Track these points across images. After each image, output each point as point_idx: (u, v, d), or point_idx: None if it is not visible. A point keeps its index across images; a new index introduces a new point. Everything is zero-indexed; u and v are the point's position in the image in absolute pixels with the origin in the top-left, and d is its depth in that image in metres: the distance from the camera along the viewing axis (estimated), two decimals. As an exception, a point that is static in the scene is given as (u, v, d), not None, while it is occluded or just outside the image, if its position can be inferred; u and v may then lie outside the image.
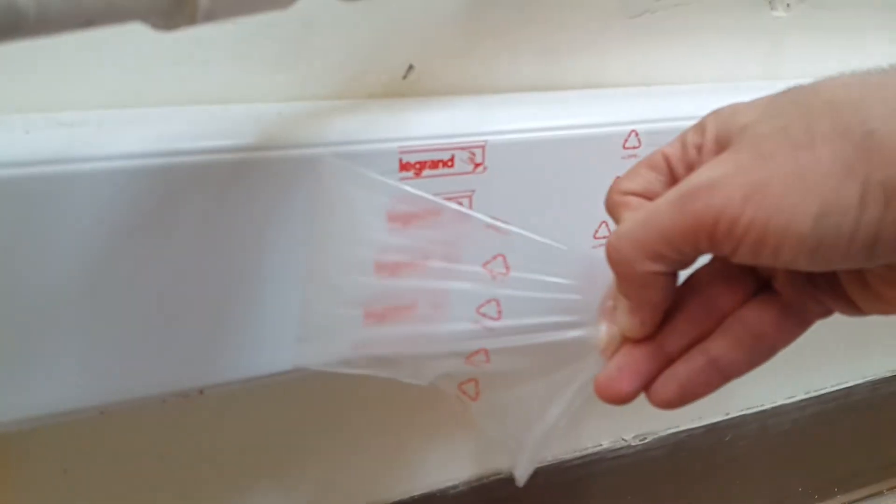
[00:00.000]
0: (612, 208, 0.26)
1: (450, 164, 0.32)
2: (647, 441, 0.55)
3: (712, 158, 0.23)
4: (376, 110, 0.33)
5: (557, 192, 0.35)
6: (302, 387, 0.40)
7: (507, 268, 0.28)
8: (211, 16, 0.18)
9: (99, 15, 0.16)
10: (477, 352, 0.30)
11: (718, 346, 0.25)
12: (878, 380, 0.64)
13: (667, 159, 0.26)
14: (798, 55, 0.45)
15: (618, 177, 0.26)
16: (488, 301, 0.29)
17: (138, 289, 0.29)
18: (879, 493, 0.72)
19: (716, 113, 0.25)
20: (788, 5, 0.43)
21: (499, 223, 0.28)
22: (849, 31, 0.46)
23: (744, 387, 0.57)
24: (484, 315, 0.29)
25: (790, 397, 0.61)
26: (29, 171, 0.26)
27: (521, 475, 0.31)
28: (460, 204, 0.32)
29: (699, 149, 0.25)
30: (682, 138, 0.26)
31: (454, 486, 0.49)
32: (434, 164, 0.32)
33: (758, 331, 0.25)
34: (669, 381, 0.25)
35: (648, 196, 0.25)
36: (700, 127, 0.25)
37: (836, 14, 0.45)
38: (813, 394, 0.62)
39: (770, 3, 0.42)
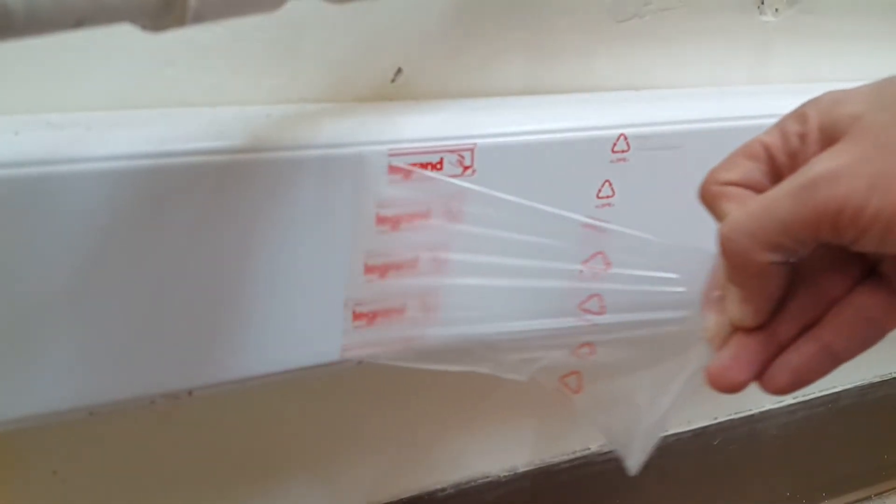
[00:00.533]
0: (711, 199, 0.26)
1: (439, 166, 0.32)
2: (636, 445, 0.55)
3: (819, 148, 0.24)
4: (364, 113, 0.33)
5: (546, 196, 0.35)
6: (291, 388, 0.40)
7: (608, 264, 0.30)
8: (200, 17, 0.18)
9: (88, 16, 0.16)
10: (583, 345, 0.31)
11: (830, 332, 0.25)
12: (867, 385, 0.65)
13: (766, 148, 0.26)
14: (786, 60, 0.45)
15: (713, 168, 0.27)
16: (590, 297, 0.30)
17: (127, 290, 0.29)
18: (867, 498, 0.72)
19: (815, 101, 0.26)
20: (777, 10, 0.43)
21: (596, 222, 0.29)
22: (837, 36, 0.46)
23: (732, 391, 0.57)
24: (587, 310, 0.30)
25: (778, 402, 0.61)
26: (18, 172, 0.26)
27: (634, 464, 0.32)
28: (450, 208, 0.32)
29: (802, 137, 0.25)
30: (781, 127, 0.26)
31: (442, 489, 0.49)
32: (423, 167, 0.32)
33: (869, 315, 0.25)
34: (783, 369, 0.26)
35: (748, 185, 0.26)
36: (800, 116, 0.26)
37: (824, 19, 0.45)
38: (801, 399, 0.62)
39: (759, 7, 0.43)
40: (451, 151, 0.32)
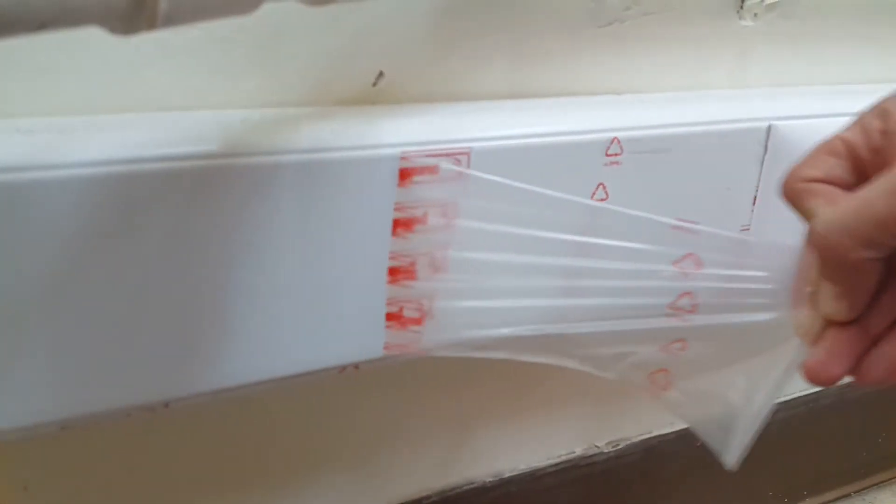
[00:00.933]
0: (795, 196, 0.27)
1: (434, 170, 0.32)
2: (619, 447, 0.55)
3: None
4: (346, 117, 0.32)
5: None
6: (269, 399, 0.40)
7: (698, 264, 0.30)
8: (171, 21, 0.18)
9: (52, 19, 0.16)
10: (674, 341, 0.32)
11: None
12: (845, 385, 0.65)
13: (847, 145, 0.27)
14: (766, 64, 0.45)
15: (795, 165, 0.27)
16: (682, 296, 0.31)
17: (101, 300, 0.28)
18: (847, 496, 0.73)
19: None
20: (756, 15, 0.43)
21: (686, 224, 0.30)
22: (816, 40, 0.47)
23: (715, 393, 0.58)
24: (679, 308, 0.31)
25: (760, 403, 0.61)
26: (-11, 179, 0.25)
27: (731, 460, 0.33)
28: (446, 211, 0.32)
29: (885, 134, 0.26)
30: (862, 124, 0.27)
31: (427, 497, 0.48)
32: (420, 171, 0.32)
33: None
34: (878, 362, 0.27)
35: (831, 181, 0.26)
36: (881, 112, 0.26)
37: (803, 24, 0.45)
38: (783, 399, 0.62)
39: (738, 12, 0.43)
40: (447, 155, 0.32)
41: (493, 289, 0.32)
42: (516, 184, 0.31)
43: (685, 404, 0.33)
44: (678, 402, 0.33)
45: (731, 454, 0.33)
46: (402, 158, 0.31)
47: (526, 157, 0.34)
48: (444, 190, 0.31)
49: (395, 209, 0.31)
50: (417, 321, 0.32)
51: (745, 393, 0.31)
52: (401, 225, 0.31)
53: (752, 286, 0.30)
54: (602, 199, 0.36)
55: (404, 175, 0.31)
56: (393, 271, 0.31)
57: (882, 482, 0.75)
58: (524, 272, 0.32)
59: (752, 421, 0.32)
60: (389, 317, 0.32)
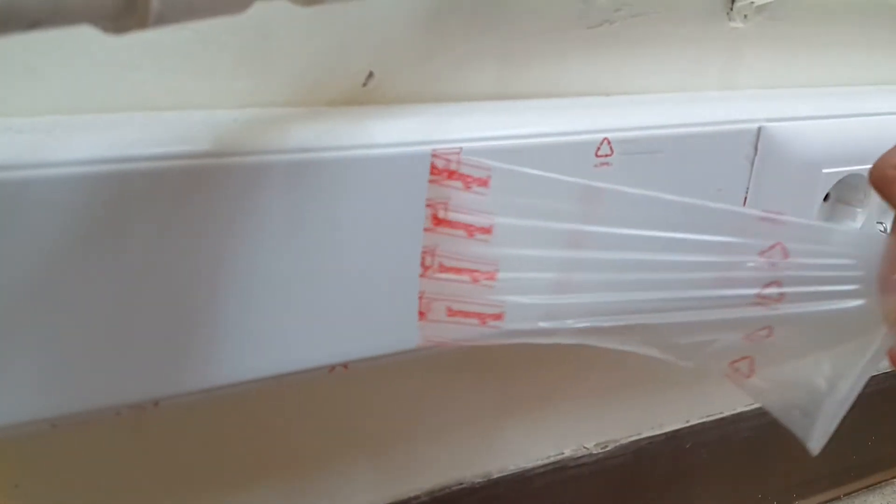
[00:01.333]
0: (885, 183, 0.27)
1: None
2: (608, 449, 0.55)
3: None
4: (336, 117, 0.32)
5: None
6: (258, 398, 0.40)
7: (786, 253, 0.31)
8: (162, 20, 0.18)
9: (44, 17, 0.16)
10: (760, 329, 0.32)
11: None
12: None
13: None
14: (755, 65, 0.45)
15: (885, 152, 0.28)
16: (768, 285, 0.31)
17: (90, 298, 0.28)
18: (837, 498, 0.73)
19: None
20: (746, 16, 0.43)
21: (773, 215, 0.31)
22: (806, 42, 0.47)
23: (704, 395, 0.58)
24: (766, 297, 0.32)
25: (749, 405, 0.61)
26: (-23, 178, 0.25)
27: (816, 446, 0.34)
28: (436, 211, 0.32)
29: None
30: None
31: (416, 497, 0.48)
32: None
33: None
34: None
35: None
36: None
37: (792, 25, 0.46)
38: (772, 402, 0.62)
39: (728, 14, 0.43)
40: (437, 157, 0.32)
41: (568, 283, 0.33)
42: (596, 183, 0.32)
43: (768, 391, 0.34)
44: (761, 389, 0.33)
45: (816, 441, 0.33)
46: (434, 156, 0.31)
47: (516, 157, 0.34)
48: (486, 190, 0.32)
49: (429, 205, 0.31)
50: (485, 317, 0.33)
51: (830, 380, 0.32)
52: (440, 222, 0.31)
53: (840, 274, 0.31)
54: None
55: (441, 172, 0.31)
56: (444, 268, 0.32)
57: (872, 485, 0.75)
58: (606, 268, 0.33)
59: (837, 408, 0.32)
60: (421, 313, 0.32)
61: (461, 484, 0.50)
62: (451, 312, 0.32)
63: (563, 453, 0.54)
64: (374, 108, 0.35)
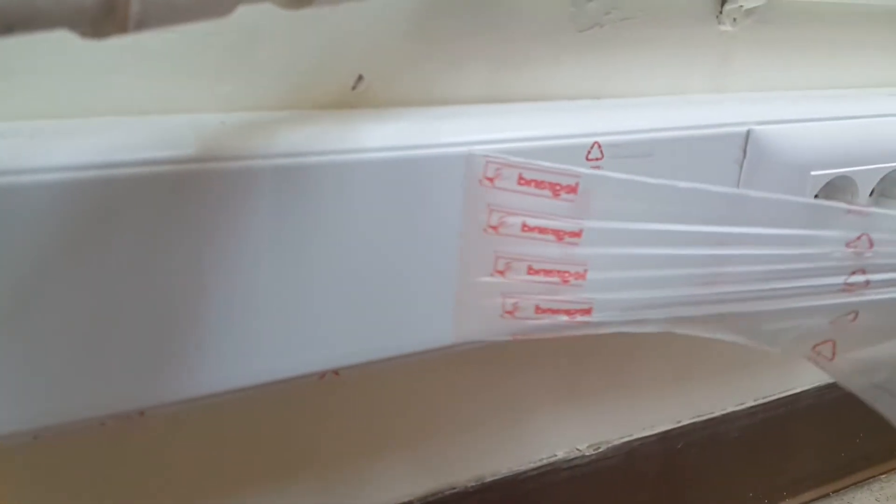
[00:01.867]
0: None
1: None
2: (601, 450, 0.55)
3: None
4: (327, 120, 0.32)
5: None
6: (246, 405, 0.39)
7: (871, 244, 0.33)
8: (143, 24, 0.18)
9: (20, 21, 0.15)
10: (847, 314, 0.34)
11: None
12: (824, 386, 0.66)
13: None
14: (744, 69, 0.45)
15: None
16: (854, 272, 0.34)
17: (73, 307, 0.28)
18: (826, 496, 0.73)
19: None
20: (735, 20, 0.43)
21: (860, 208, 0.33)
22: (794, 45, 0.47)
23: (694, 395, 0.58)
24: (853, 285, 0.34)
25: (740, 404, 0.62)
26: (-45, 184, 0.25)
27: None
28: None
29: None
30: None
31: (409, 502, 0.48)
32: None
33: None
34: None
35: None
36: None
37: (781, 29, 0.46)
38: (761, 401, 0.62)
39: (717, 17, 0.43)
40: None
41: (657, 278, 0.35)
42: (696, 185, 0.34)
43: (851, 372, 0.35)
44: (844, 371, 0.35)
45: None
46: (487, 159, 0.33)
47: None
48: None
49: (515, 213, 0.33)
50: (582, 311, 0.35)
51: None
52: (529, 229, 0.34)
53: None
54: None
55: (528, 182, 0.33)
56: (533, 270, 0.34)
57: (860, 482, 0.75)
58: (695, 263, 0.35)
59: None
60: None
61: (454, 488, 0.50)
62: (540, 310, 0.35)
63: (555, 455, 0.53)
64: (364, 111, 0.34)
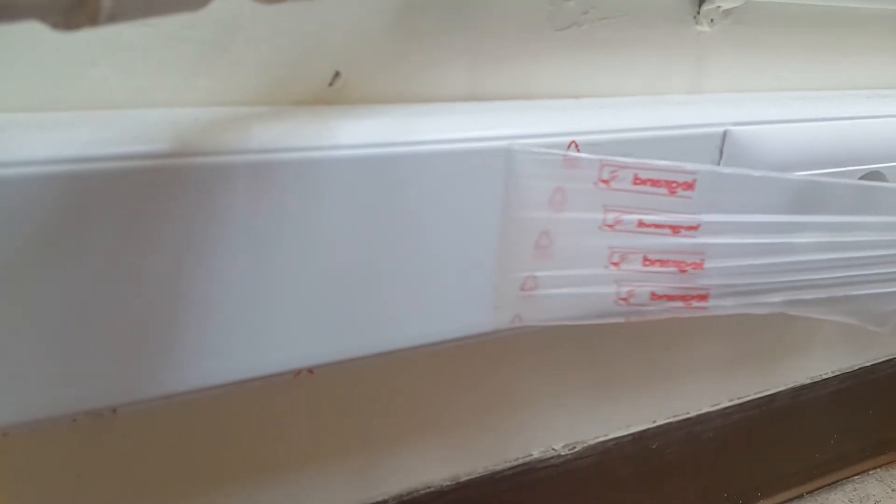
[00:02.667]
0: None
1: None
2: (576, 450, 0.55)
3: None
4: (302, 116, 0.32)
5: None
6: (220, 404, 0.39)
7: None
8: (115, 17, 0.17)
9: (-13, 12, 0.15)
10: None
11: None
12: (799, 387, 0.66)
13: None
14: (721, 70, 0.46)
15: None
16: None
17: (44, 303, 0.27)
18: (800, 497, 0.74)
19: None
20: (712, 20, 0.44)
21: None
22: (771, 47, 0.47)
23: (670, 395, 0.59)
24: None
25: (715, 405, 0.62)
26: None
27: None
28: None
29: None
30: None
31: (384, 501, 0.48)
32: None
33: None
34: None
35: None
36: None
37: (757, 30, 0.46)
38: (736, 401, 0.63)
39: (695, 17, 0.43)
40: None
41: (773, 265, 0.38)
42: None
43: None
44: None
45: None
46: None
47: (484, 159, 0.34)
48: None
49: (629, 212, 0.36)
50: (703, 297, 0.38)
51: None
52: (645, 225, 0.36)
53: None
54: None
55: (644, 182, 0.35)
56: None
57: (834, 483, 0.76)
58: (812, 250, 0.38)
59: None
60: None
61: (429, 487, 0.49)
62: (656, 296, 0.37)
63: (531, 455, 0.54)
64: (341, 108, 0.34)
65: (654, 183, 0.35)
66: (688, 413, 0.61)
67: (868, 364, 0.70)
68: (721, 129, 0.40)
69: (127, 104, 0.31)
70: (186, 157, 0.28)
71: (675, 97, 0.44)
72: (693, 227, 0.36)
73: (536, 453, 0.54)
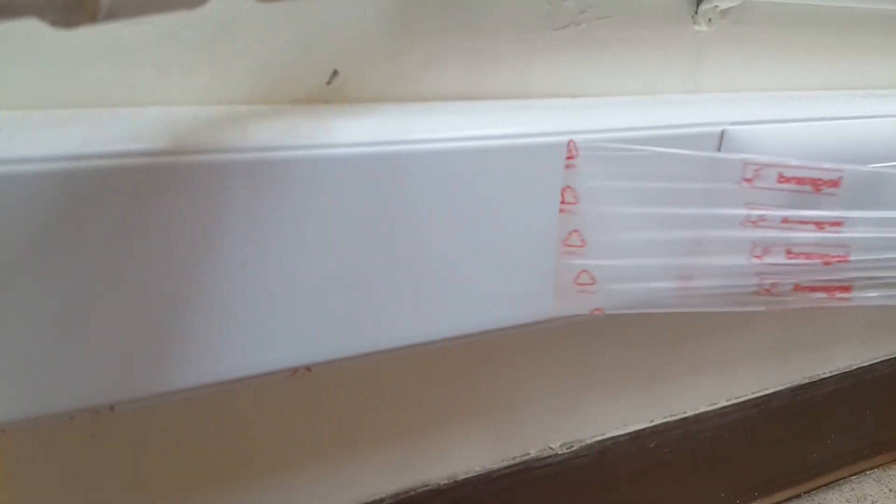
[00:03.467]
0: None
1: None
2: (573, 449, 0.55)
3: None
4: (300, 115, 0.32)
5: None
6: (217, 401, 0.39)
7: None
8: (113, 14, 0.17)
9: (-14, 9, 0.15)
10: None
11: None
12: (796, 386, 0.66)
13: None
14: (719, 69, 0.46)
15: None
16: None
17: (42, 300, 0.27)
18: (797, 496, 0.74)
19: None
20: (710, 20, 0.44)
21: None
22: (769, 46, 0.47)
23: (667, 394, 0.59)
24: None
25: (712, 404, 0.62)
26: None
27: None
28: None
29: None
30: None
31: (381, 500, 0.48)
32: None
33: None
34: None
35: None
36: None
37: (755, 30, 0.46)
38: (734, 401, 0.63)
39: (693, 17, 0.43)
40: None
41: None
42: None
43: None
44: None
45: None
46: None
47: (480, 159, 0.34)
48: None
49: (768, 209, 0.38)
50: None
51: None
52: (789, 221, 0.38)
53: None
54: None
55: (789, 180, 0.38)
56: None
57: (831, 483, 0.76)
58: None
59: None
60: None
61: (426, 486, 0.49)
62: (799, 288, 0.39)
63: (528, 454, 0.54)
64: (338, 106, 0.34)
65: (800, 181, 0.37)
66: (685, 413, 0.61)
67: (866, 364, 0.70)
68: (719, 129, 0.40)
69: (125, 102, 0.31)
70: (184, 155, 0.28)
71: (673, 97, 0.44)
72: (838, 223, 0.38)
73: (534, 452, 0.54)
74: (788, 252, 0.38)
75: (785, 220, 0.37)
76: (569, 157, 0.36)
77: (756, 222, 0.37)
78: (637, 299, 0.39)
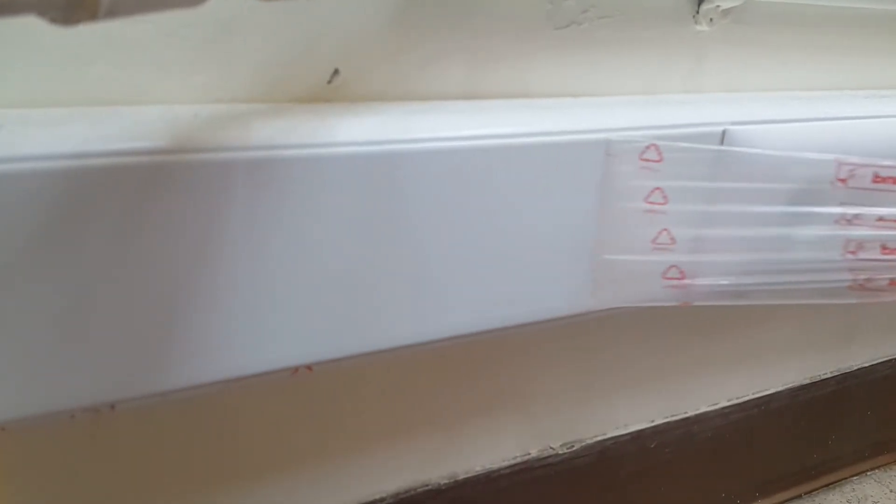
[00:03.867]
0: None
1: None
2: (574, 449, 0.55)
3: None
4: (301, 114, 0.32)
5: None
6: (218, 401, 0.39)
7: None
8: (113, 12, 0.17)
9: (-14, 6, 0.15)
10: None
11: None
12: (797, 387, 0.66)
13: None
14: (720, 69, 0.46)
15: None
16: None
17: (43, 299, 0.27)
18: (798, 497, 0.74)
19: None
20: (711, 20, 0.44)
21: None
22: (770, 46, 0.47)
23: (668, 395, 0.59)
24: None
25: (713, 404, 0.62)
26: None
27: None
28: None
29: None
30: None
31: (381, 499, 0.48)
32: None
33: None
34: None
35: None
36: None
37: (756, 30, 0.46)
38: (735, 401, 0.63)
39: (694, 17, 0.43)
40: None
41: None
42: None
43: None
44: None
45: None
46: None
47: (482, 158, 0.34)
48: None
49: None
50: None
51: None
52: (883, 220, 0.40)
53: None
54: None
55: (884, 180, 0.40)
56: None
57: (832, 483, 0.76)
58: None
59: None
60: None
61: (427, 486, 0.49)
62: (894, 283, 0.41)
63: (529, 453, 0.53)
64: (339, 105, 0.34)
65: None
66: (686, 413, 0.60)
67: (866, 365, 0.70)
68: (720, 129, 0.40)
69: (125, 100, 0.31)
70: (185, 154, 0.28)
71: (674, 96, 0.44)
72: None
73: (534, 452, 0.54)
74: (884, 248, 0.39)
75: (880, 219, 0.39)
76: (655, 161, 0.37)
77: (851, 220, 0.39)
78: (725, 293, 0.40)
